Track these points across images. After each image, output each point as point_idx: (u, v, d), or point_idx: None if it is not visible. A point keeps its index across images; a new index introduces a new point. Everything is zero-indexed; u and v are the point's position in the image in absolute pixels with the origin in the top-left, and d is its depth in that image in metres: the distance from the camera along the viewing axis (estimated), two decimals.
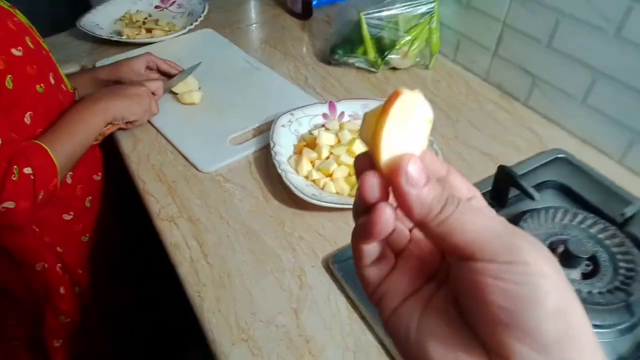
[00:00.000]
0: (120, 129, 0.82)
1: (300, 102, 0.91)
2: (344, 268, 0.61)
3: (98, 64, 1.02)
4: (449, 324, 0.22)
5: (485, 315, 0.20)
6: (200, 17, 1.13)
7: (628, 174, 0.79)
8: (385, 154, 0.22)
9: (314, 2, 1.25)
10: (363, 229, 0.23)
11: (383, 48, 1.02)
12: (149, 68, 0.92)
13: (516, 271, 0.19)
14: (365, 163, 0.24)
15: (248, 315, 0.57)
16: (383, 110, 0.22)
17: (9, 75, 0.63)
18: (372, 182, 0.23)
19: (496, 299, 0.20)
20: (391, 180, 0.22)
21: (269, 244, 0.66)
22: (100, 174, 0.85)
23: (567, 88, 0.86)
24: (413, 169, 0.22)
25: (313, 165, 0.76)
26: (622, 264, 0.62)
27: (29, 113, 0.68)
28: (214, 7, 1.22)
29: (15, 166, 0.60)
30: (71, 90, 0.81)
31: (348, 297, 0.59)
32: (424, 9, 1.01)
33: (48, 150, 0.66)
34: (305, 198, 0.68)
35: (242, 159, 0.80)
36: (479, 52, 1.01)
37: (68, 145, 0.70)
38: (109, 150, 0.87)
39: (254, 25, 1.24)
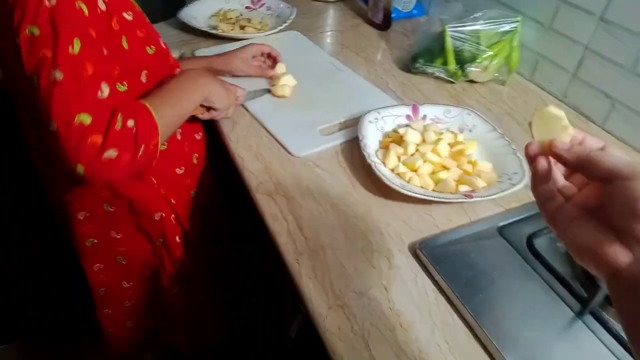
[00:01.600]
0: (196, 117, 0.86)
1: (382, 103, 0.96)
2: (432, 255, 0.65)
3: (197, 52, 1.10)
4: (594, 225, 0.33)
5: (625, 210, 0.30)
6: (290, 19, 1.21)
7: None
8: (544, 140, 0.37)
9: (393, 15, 1.31)
10: (537, 177, 0.38)
11: (463, 61, 1.06)
12: (258, 57, 0.99)
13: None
14: (534, 149, 0.37)
15: (342, 285, 0.61)
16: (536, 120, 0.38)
17: (124, 37, 0.68)
18: (543, 165, 0.37)
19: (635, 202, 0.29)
20: (552, 152, 0.36)
21: (358, 225, 0.71)
22: (200, 133, 0.91)
23: None
24: (561, 143, 0.36)
25: (399, 160, 0.80)
26: None
27: (144, 72, 0.73)
28: (299, 12, 1.29)
29: (120, 115, 0.60)
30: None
31: (435, 282, 0.62)
32: (507, 27, 1.05)
33: (151, 110, 0.66)
34: (395, 187, 0.72)
35: (330, 148, 0.85)
36: (557, 73, 1.04)
37: (170, 111, 0.71)
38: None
39: (335, 31, 1.31)
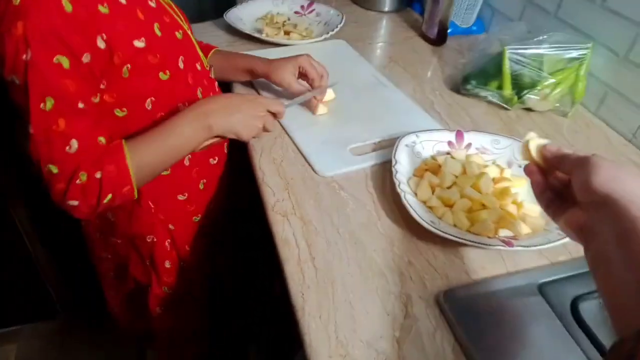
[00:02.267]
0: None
1: (424, 125, 0.89)
2: (458, 307, 0.56)
3: None
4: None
5: (581, 187, 0.43)
6: (337, 27, 1.15)
7: None
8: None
9: (449, 30, 1.22)
10: (537, 187, 0.51)
11: (521, 86, 0.96)
12: (300, 73, 0.90)
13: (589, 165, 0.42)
14: (532, 168, 0.51)
15: (348, 330, 0.54)
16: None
17: (127, 66, 0.64)
18: (539, 178, 0.50)
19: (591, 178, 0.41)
20: (542, 152, 0.50)
21: (376, 260, 0.63)
22: (217, 158, 0.87)
23: None
24: (551, 147, 0.49)
25: (433, 191, 0.72)
26: None
27: (150, 99, 0.69)
28: (349, 21, 1.24)
29: (82, 172, 0.61)
30: (207, 68, 0.83)
31: (457, 341, 0.54)
32: (574, 54, 0.94)
33: (127, 159, 0.64)
34: (423, 223, 0.64)
35: (360, 170, 0.79)
36: (629, 110, 0.92)
37: (157, 157, 0.68)
38: None
39: (385, 43, 1.24)
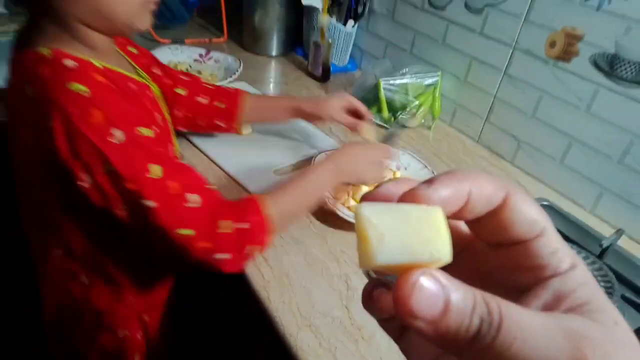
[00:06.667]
0: None
1: (327, 145, 1.07)
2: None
3: None
4: None
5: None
6: (238, 72, 1.30)
7: (598, 221, 0.97)
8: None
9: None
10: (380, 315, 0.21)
11: (395, 109, 1.22)
12: (347, 110, 0.95)
13: None
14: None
15: (308, 307, 0.68)
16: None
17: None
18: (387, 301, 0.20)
19: None
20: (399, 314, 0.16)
21: (316, 254, 0.78)
22: None
23: (548, 151, 1.06)
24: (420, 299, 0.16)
25: (348, 195, 0.90)
26: (601, 284, 0.77)
27: None
28: (245, 66, 1.40)
29: (221, 221, 0.61)
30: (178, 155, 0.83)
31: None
32: (429, 80, 1.23)
33: (268, 207, 0.65)
34: (348, 219, 0.82)
35: None
36: (473, 119, 1.22)
37: (294, 203, 0.71)
38: None
39: (280, 83, 1.43)
